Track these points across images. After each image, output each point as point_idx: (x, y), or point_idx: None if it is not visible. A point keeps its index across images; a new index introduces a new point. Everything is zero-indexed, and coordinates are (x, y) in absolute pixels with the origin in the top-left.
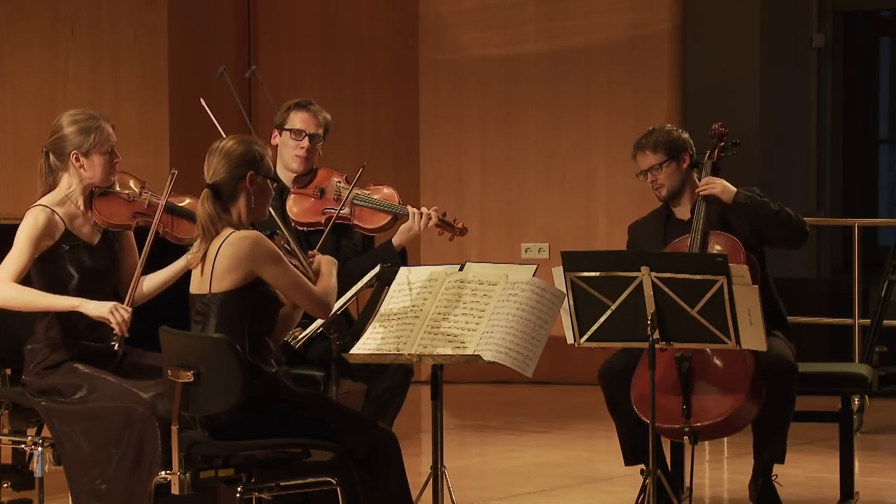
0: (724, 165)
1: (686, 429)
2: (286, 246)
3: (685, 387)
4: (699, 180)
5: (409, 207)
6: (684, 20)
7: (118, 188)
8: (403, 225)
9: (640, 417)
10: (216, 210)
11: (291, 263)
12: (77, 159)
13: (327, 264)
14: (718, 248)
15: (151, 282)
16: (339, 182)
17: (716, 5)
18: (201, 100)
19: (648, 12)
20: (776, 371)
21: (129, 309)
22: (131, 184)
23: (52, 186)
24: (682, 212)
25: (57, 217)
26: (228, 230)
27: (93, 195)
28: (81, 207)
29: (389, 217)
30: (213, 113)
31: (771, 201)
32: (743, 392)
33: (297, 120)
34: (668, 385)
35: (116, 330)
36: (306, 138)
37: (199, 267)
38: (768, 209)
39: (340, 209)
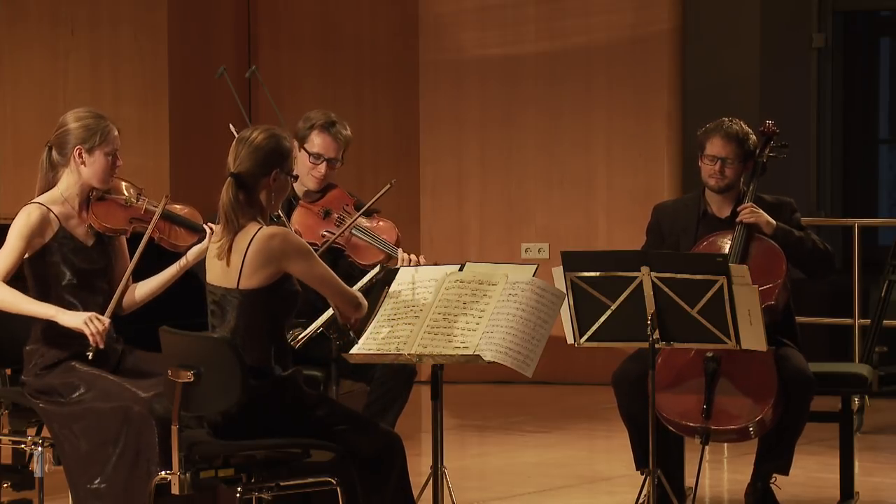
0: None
1: (701, 428)
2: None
3: (709, 387)
4: (744, 179)
5: (399, 251)
6: (684, 20)
7: (114, 194)
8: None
9: (661, 416)
10: (239, 201)
11: None
12: (80, 155)
13: None
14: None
15: (144, 288)
16: (347, 207)
17: (716, 5)
18: (231, 125)
19: (648, 12)
20: (797, 383)
21: (107, 320)
22: (126, 189)
23: (51, 183)
24: (720, 209)
25: (52, 215)
26: (254, 225)
27: (90, 198)
28: (76, 208)
29: (383, 256)
30: (213, 113)
31: (805, 235)
32: (769, 403)
33: (317, 143)
34: (693, 383)
35: (91, 340)
36: (324, 164)
37: (225, 258)
38: (803, 248)
39: (336, 237)
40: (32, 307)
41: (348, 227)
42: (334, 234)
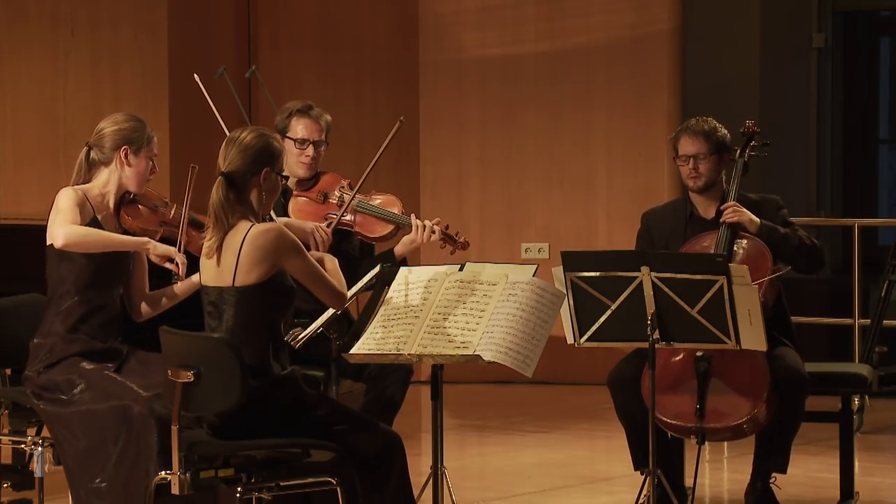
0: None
1: (695, 428)
2: None
3: (701, 387)
4: (726, 179)
5: (412, 218)
6: (684, 20)
7: (144, 199)
8: (406, 237)
9: (657, 418)
10: (229, 200)
11: None
12: (126, 155)
13: (331, 261)
14: (744, 250)
15: (185, 285)
16: (343, 187)
17: (716, 5)
18: (195, 75)
19: (648, 12)
20: (790, 382)
21: (184, 257)
22: (153, 197)
23: (85, 182)
24: (706, 210)
25: (88, 204)
26: (245, 223)
27: (122, 201)
28: (111, 208)
29: (392, 227)
30: (213, 113)
31: (792, 231)
32: (761, 400)
33: (300, 128)
34: (685, 384)
35: (180, 270)
36: (311, 146)
37: (216, 258)
38: (789, 244)
39: (342, 215)
40: (125, 239)
41: (352, 199)
42: (337, 214)
